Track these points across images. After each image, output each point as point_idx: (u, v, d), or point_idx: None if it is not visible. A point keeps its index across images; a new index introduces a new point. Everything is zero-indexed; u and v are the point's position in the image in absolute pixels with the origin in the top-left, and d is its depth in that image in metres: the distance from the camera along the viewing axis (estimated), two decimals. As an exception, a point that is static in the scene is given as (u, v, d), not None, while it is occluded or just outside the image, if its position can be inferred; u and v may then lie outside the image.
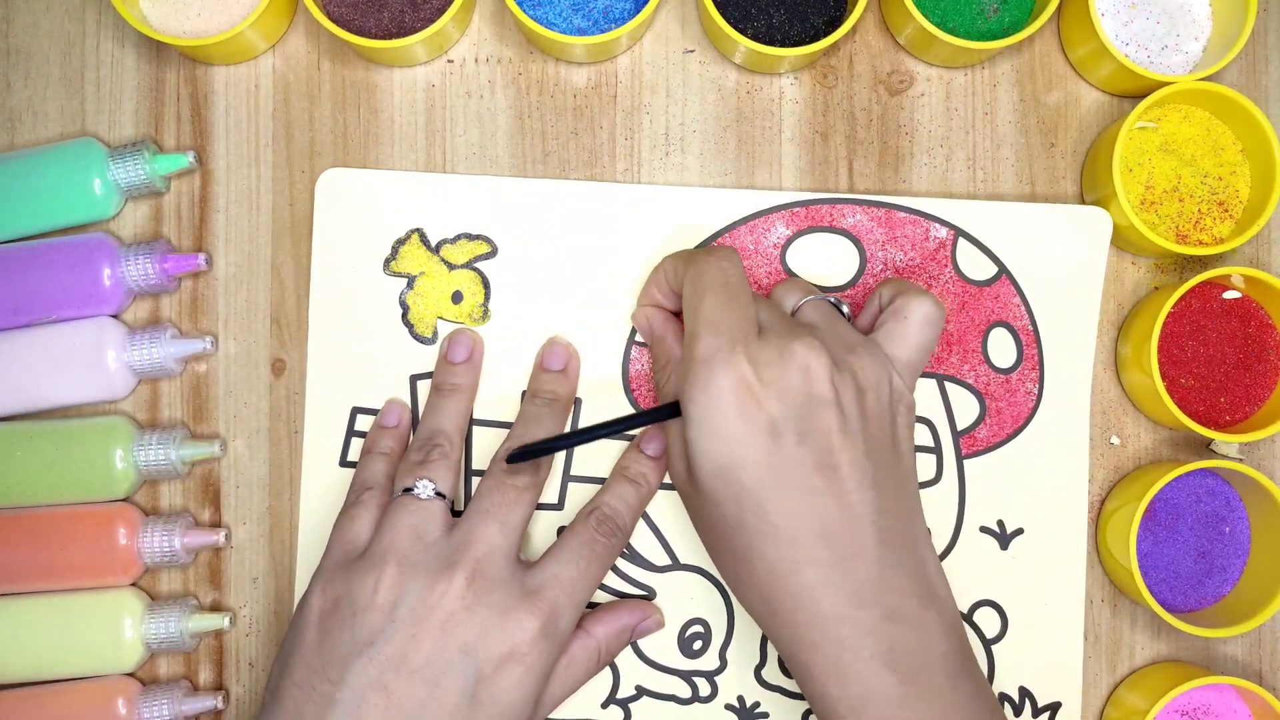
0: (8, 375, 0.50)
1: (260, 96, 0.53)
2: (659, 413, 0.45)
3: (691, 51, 0.54)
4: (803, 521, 0.41)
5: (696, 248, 0.51)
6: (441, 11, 0.50)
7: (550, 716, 0.49)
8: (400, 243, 0.52)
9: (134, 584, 0.51)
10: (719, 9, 0.50)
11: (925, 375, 0.52)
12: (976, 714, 0.42)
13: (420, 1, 0.51)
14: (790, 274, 0.52)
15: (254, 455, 0.53)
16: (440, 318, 0.52)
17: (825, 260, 0.52)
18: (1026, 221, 0.52)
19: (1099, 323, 0.53)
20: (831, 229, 0.52)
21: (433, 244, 0.52)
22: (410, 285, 0.52)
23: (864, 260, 0.52)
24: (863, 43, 0.54)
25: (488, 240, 0.52)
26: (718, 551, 0.45)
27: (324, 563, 0.46)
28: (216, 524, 0.52)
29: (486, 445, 0.51)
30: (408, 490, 0.46)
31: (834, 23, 0.51)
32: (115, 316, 0.52)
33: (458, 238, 0.52)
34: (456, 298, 0.52)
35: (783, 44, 0.51)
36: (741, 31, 0.50)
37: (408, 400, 0.52)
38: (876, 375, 0.44)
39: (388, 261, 0.52)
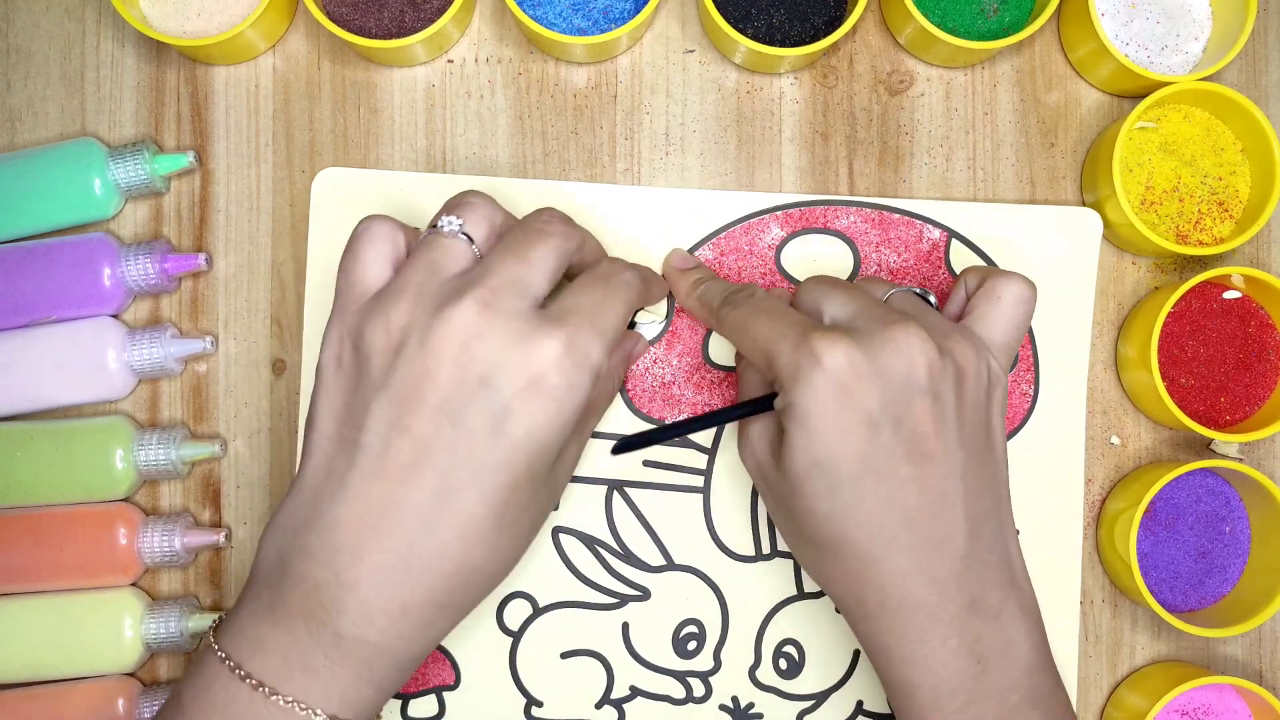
0: (8, 375, 0.50)
1: (260, 96, 0.53)
2: (757, 404, 0.45)
3: (691, 51, 0.54)
4: (893, 510, 0.41)
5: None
6: (441, 11, 0.50)
7: (543, 701, 0.49)
8: None
9: (134, 584, 0.51)
10: (719, 9, 0.50)
11: None
12: (1050, 709, 0.42)
13: (420, 1, 0.51)
14: (786, 275, 0.52)
15: (254, 455, 0.53)
16: None
17: (820, 262, 0.52)
18: (1019, 223, 0.52)
19: (1100, 323, 0.53)
20: (826, 230, 0.52)
21: None
22: None
23: (858, 261, 0.52)
24: (863, 43, 0.54)
25: None
26: (803, 542, 0.44)
27: (335, 307, 0.43)
28: (217, 524, 0.52)
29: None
30: (433, 227, 0.43)
31: (834, 23, 0.51)
32: (115, 316, 0.52)
33: None
34: None
35: (783, 44, 0.51)
36: (741, 31, 0.50)
37: None
38: (975, 361, 0.43)
39: None
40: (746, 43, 0.49)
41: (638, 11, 0.50)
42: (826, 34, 0.51)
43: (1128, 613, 0.53)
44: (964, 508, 0.42)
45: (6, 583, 0.49)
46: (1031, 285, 0.45)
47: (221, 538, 0.51)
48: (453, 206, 0.44)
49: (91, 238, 0.51)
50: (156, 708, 0.49)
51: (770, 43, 0.51)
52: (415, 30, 0.51)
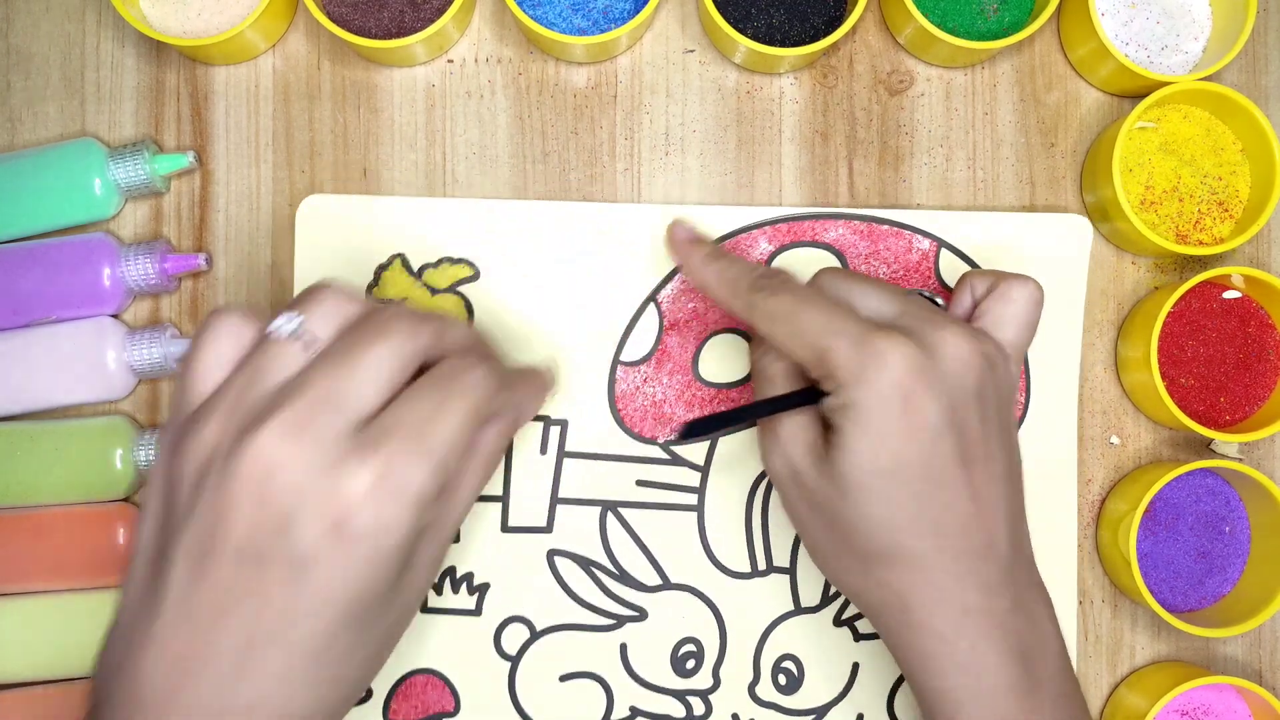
0: (8, 375, 0.50)
1: (260, 96, 0.53)
2: (804, 396, 0.43)
3: (691, 51, 0.54)
4: (948, 516, 0.41)
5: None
6: (441, 11, 0.50)
7: None
8: (383, 268, 0.52)
9: (134, 584, 0.51)
10: (719, 9, 0.50)
11: None
12: (1080, 705, 0.43)
13: (420, 1, 0.51)
14: None
15: (254, 455, 0.52)
16: None
17: (809, 274, 0.52)
18: (1008, 231, 0.52)
19: (1100, 323, 0.53)
20: (815, 243, 0.52)
21: (415, 269, 0.52)
22: None
23: None
24: (863, 43, 0.54)
25: (470, 264, 0.52)
26: (845, 551, 0.42)
27: (169, 414, 0.39)
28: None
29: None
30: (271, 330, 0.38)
31: (834, 23, 0.51)
32: (115, 316, 0.52)
33: (440, 262, 0.52)
34: None
35: (783, 44, 0.51)
36: (741, 31, 0.50)
37: None
38: (1004, 364, 0.43)
39: (371, 288, 0.52)
40: (746, 43, 0.49)
41: (638, 11, 0.50)
42: (826, 34, 0.51)
43: (1128, 613, 0.53)
44: (1006, 510, 0.42)
45: (6, 583, 0.49)
46: (1040, 287, 0.45)
47: None
48: (300, 300, 0.38)
49: (91, 238, 0.51)
50: None
51: (770, 43, 0.51)
52: (415, 30, 0.51)
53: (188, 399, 0.38)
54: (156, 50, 0.53)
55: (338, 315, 0.38)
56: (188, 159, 0.51)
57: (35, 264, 0.50)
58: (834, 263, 0.52)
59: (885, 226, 0.52)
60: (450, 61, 0.53)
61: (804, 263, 0.52)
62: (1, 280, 0.50)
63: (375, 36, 0.51)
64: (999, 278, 0.46)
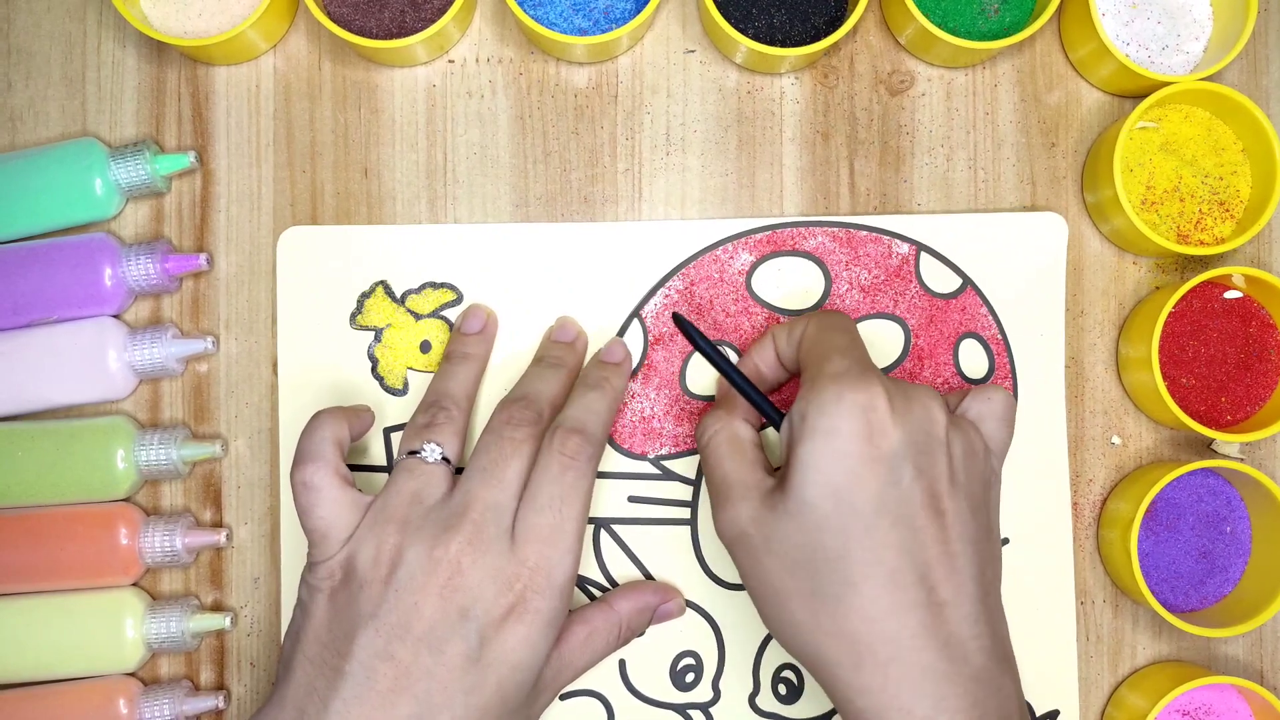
0: (8, 375, 0.50)
1: (261, 97, 0.53)
2: (772, 410, 0.45)
3: (692, 51, 0.54)
4: (908, 559, 0.40)
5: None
6: (442, 11, 0.50)
7: None
8: (365, 296, 0.52)
9: (135, 584, 0.51)
10: (719, 9, 0.50)
11: None
12: None
13: (421, 1, 0.51)
14: (758, 299, 0.52)
15: (255, 455, 0.53)
16: (410, 368, 0.52)
17: (790, 284, 0.52)
18: (985, 232, 0.53)
19: (1101, 323, 0.53)
20: (795, 252, 0.52)
21: (398, 295, 0.52)
22: (378, 338, 0.52)
23: (829, 282, 0.52)
24: (863, 43, 0.54)
25: (452, 288, 0.52)
26: (793, 593, 0.42)
27: (310, 552, 0.46)
28: (218, 524, 0.52)
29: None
30: (413, 453, 0.46)
31: (834, 23, 0.51)
32: (116, 316, 0.52)
33: (422, 287, 0.52)
34: (425, 347, 0.52)
35: (783, 44, 0.51)
36: (742, 31, 0.50)
37: (381, 453, 0.52)
38: (979, 443, 0.44)
39: (354, 315, 0.52)
40: (747, 43, 0.49)
41: (638, 11, 0.51)
42: (827, 34, 0.51)
43: (1129, 613, 0.53)
44: (974, 572, 0.42)
45: (7, 583, 0.49)
46: (1013, 400, 0.47)
47: (222, 538, 0.51)
48: (424, 429, 0.47)
49: (92, 238, 0.51)
50: (158, 707, 0.49)
51: (771, 43, 0.51)
52: (416, 30, 0.51)
53: (324, 542, 0.45)
54: (157, 50, 0.53)
55: (459, 432, 0.47)
56: (189, 159, 0.52)
57: (36, 264, 0.50)
58: (816, 271, 0.52)
59: (864, 233, 0.52)
60: (451, 62, 0.54)
61: (786, 272, 0.52)
62: (1, 280, 0.50)
63: (376, 37, 0.51)
64: (969, 390, 0.47)
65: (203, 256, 0.52)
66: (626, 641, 0.49)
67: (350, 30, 0.51)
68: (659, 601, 0.50)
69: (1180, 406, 0.51)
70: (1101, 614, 0.53)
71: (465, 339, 0.51)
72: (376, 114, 0.53)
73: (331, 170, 0.53)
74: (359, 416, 0.49)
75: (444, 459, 0.46)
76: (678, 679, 0.52)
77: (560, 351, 0.51)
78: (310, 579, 0.45)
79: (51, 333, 0.50)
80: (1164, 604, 0.52)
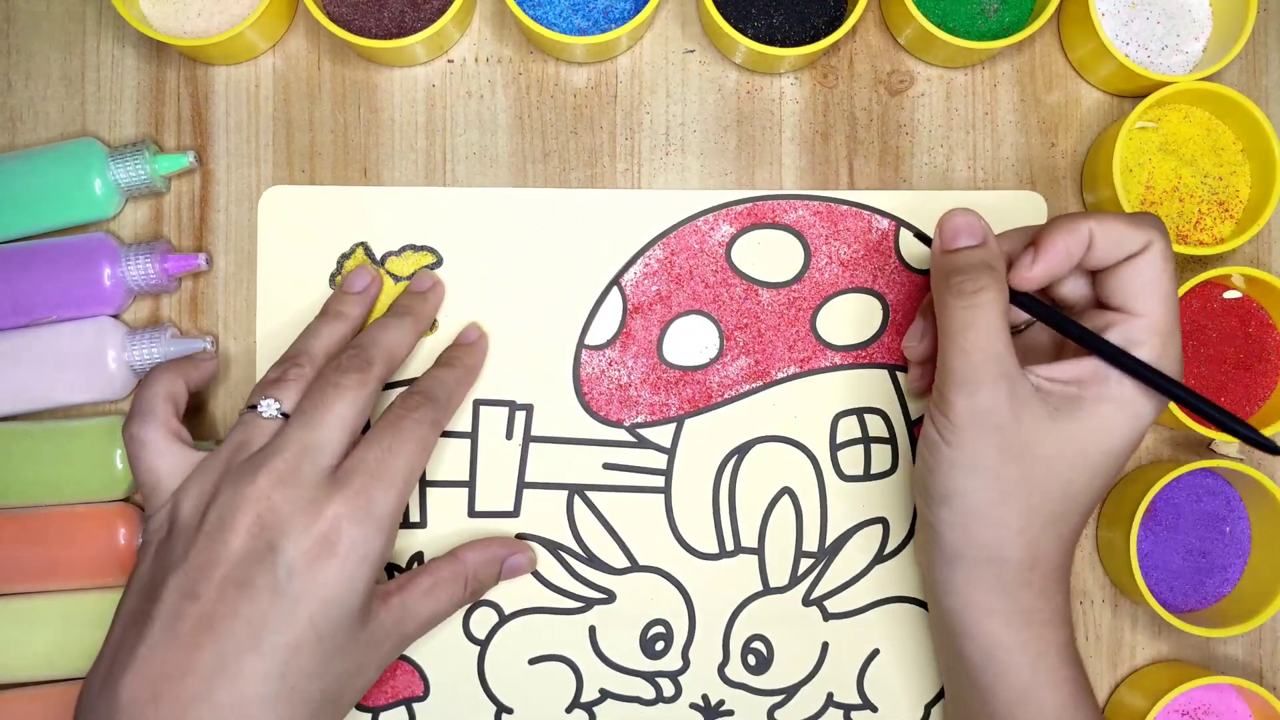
0: (8, 375, 0.50)
1: (260, 97, 0.53)
2: (1110, 348, 0.43)
3: (692, 51, 0.54)
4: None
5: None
6: (442, 11, 0.50)
7: (513, 707, 0.50)
8: (345, 257, 0.52)
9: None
10: (719, 9, 0.50)
11: (876, 365, 0.52)
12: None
13: (420, 1, 0.51)
14: (737, 272, 0.52)
15: (254, 455, 0.53)
16: None
17: (770, 256, 0.52)
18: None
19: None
20: (775, 225, 0.52)
21: (378, 257, 0.52)
22: None
23: (808, 255, 0.52)
24: (863, 43, 0.54)
25: (432, 250, 0.52)
26: (1013, 495, 0.43)
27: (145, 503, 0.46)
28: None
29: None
30: (251, 408, 0.46)
31: (834, 23, 0.51)
32: (115, 316, 0.52)
33: (403, 249, 0.52)
34: None
35: (783, 44, 0.51)
36: (742, 31, 0.50)
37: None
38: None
39: (333, 277, 0.52)
40: (746, 43, 0.49)
41: (638, 11, 0.51)
42: (826, 34, 0.51)
43: (1128, 613, 0.53)
44: None
45: (6, 583, 0.49)
46: (1165, 237, 0.43)
47: None
48: (271, 384, 0.46)
49: (92, 238, 0.51)
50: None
51: (770, 43, 0.51)
52: (415, 30, 0.51)
53: (154, 493, 0.45)
54: (157, 50, 0.53)
55: (300, 383, 0.46)
56: (188, 159, 0.52)
57: (35, 264, 0.50)
58: (796, 244, 0.52)
59: (844, 207, 0.53)
60: (450, 61, 0.54)
61: (765, 244, 0.52)
62: (1, 280, 0.50)
63: (375, 36, 0.51)
64: (1115, 222, 0.43)
65: (202, 256, 0.52)
66: (476, 595, 0.49)
67: (350, 30, 0.51)
68: (507, 553, 0.50)
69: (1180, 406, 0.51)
70: (1101, 614, 0.53)
71: (344, 297, 0.50)
72: (376, 114, 0.53)
73: (331, 170, 0.53)
74: (197, 367, 0.49)
75: (281, 414, 0.45)
76: (647, 647, 0.52)
77: (408, 300, 0.51)
78: (144, 534, 0.45)
79: (51, 332, 0.50)
80: (1163, 604, 0.52)
